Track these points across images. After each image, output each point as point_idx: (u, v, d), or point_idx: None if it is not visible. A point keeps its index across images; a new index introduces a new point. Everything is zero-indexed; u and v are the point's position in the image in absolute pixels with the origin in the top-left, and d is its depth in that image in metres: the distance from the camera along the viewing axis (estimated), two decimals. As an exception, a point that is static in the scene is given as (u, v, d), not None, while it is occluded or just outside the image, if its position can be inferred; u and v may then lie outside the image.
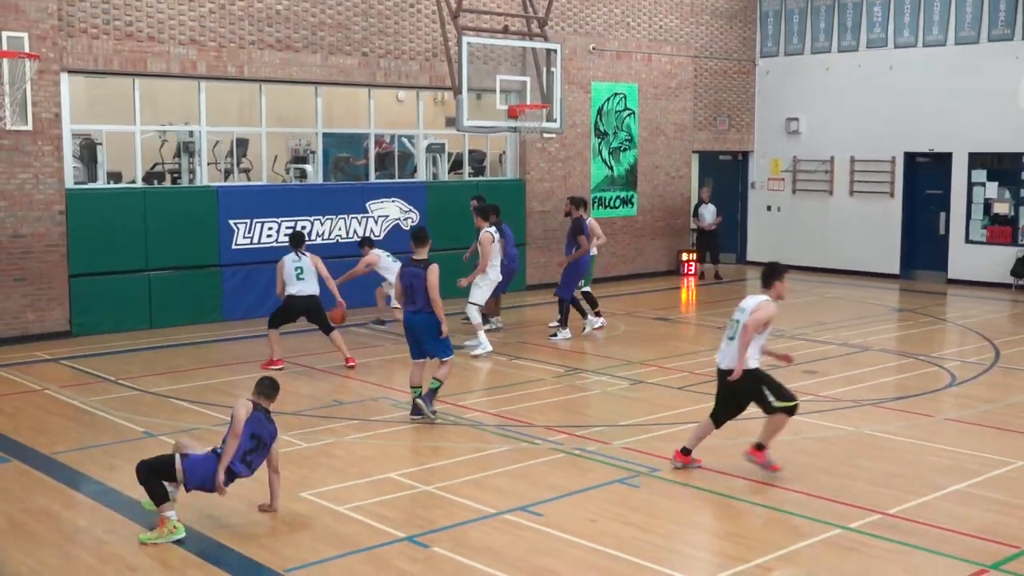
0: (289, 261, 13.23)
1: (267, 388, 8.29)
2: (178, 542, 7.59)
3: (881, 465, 9.60)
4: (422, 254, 10.96)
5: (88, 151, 16.41)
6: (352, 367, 13.33)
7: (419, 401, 10.83)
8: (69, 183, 15.55)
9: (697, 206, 23.12)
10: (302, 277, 13.17)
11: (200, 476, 7.80)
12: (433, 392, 10.88)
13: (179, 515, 7.74)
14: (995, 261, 21.27)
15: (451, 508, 8.33)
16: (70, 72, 15.46)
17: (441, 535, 7.74)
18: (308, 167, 18.83)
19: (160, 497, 7.71)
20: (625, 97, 22.33)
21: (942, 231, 22.24)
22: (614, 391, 12.43)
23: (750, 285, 22.28)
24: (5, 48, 14.22)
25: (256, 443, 8.03)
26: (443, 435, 10.51)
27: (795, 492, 8.73)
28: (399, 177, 19.54)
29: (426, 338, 10.88)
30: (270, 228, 17.23)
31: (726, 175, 25.77)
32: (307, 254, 13.39)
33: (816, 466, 9.51)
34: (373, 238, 17.28)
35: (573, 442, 10.13)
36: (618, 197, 22.48)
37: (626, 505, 8.42)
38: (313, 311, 13.40)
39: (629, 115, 22.46)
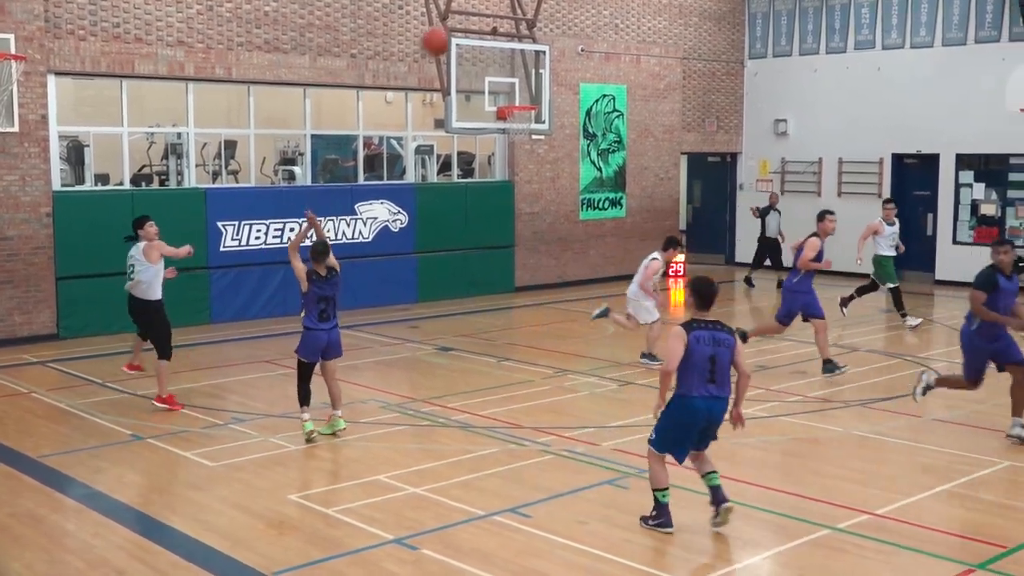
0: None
1: (315, 253, 10.11)
2: (166, 545, 7.59)
3: (869, 465, 9.61)
4: (709, 312, 7.82)
5: (75, 153, 16.36)
6: (130, 371, 12.16)
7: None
8: (56, 185, 15.50)
9: (765, 213, 21.87)
10: (131, 276, 11.41)
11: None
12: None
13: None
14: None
15: (440, 510, 8.31)
16: (57, 74, 15.40)
17: (430, 537, 7.72)
18: (296, 169, 18.82)
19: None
20: (614, 98, 22.35)
21: (929, 232, 22.33)
22: (602, 392, 12.42)
23: (739, 289, 22.32)
24: (-9, 50, 14.18)
25: (325, 303, 10.09)
26: (432, 437, 10.49)
27: (784, 493, 8.73)
28: (388, 179, 19.53)
29: (715, 430, 7.94)
30: (259, 230, 17.20)
31: (714, 177, 25.84)
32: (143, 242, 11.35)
33: (805, 467, 9.53)
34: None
35: (562, 443, 10.12)
36: (607, 199, 22.50)
37: (615, 507, 8.41)
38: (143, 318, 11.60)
39: (618, 116, 22.48)
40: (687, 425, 7.65)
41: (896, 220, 17.28)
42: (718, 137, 24.95)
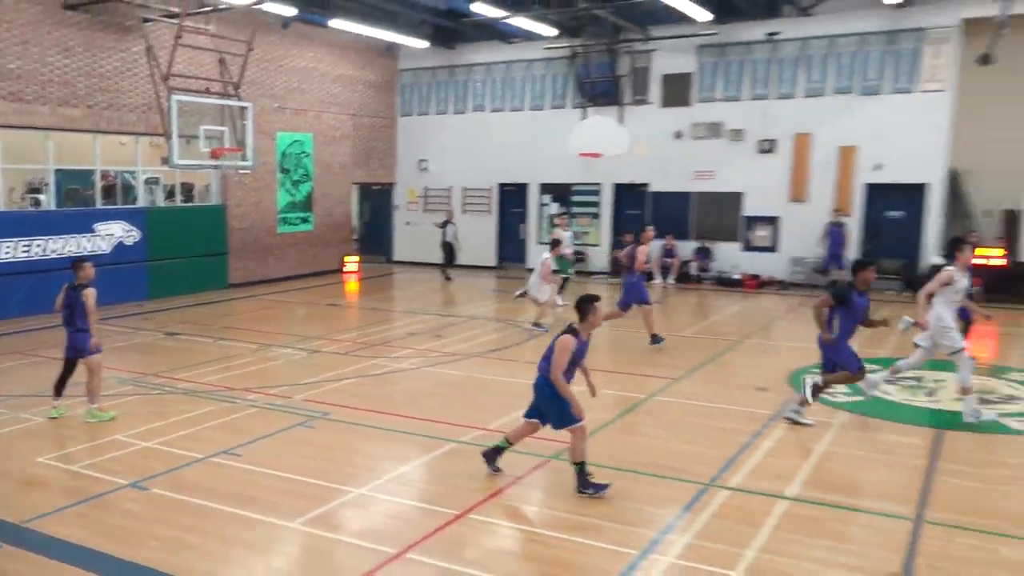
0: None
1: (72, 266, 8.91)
2: (-76, 509, 6.61)
3: (484, 398, 10.07)
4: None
5: None
6: None
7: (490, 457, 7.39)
8: None
9: (444, 224, 21.89)
10: None
11: None
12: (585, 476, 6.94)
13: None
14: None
15: (168, 458, 7.81)
16: None
17: (159, 479, 7.24)
18: (42, 197, 16.80)
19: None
20: (303, 143, 21.79)
21: (522, 236, 23.65)
22: (296, 359, 12.15)
23: (396, 280, 22.55)
24: None
25: (68, 310, 8.85)
26: (162, 403, 9.80)
27: (425, 420, 8.98)
28: (122, 204, 17.91)
29: (539, 400, 7.06)
30: (8, 247, 15.22)
31: (378, 200, 25.89)
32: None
33: (443, 401, 9.80)
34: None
35: (265, 399, 9.81)
36: (299, 217, 21.93)
37: (304, 442, 8.30)
38: None
39: (306, 157, 21.95)
40: None
41: (570, 229, 18.03)
42: (379, 172, 25.01)
